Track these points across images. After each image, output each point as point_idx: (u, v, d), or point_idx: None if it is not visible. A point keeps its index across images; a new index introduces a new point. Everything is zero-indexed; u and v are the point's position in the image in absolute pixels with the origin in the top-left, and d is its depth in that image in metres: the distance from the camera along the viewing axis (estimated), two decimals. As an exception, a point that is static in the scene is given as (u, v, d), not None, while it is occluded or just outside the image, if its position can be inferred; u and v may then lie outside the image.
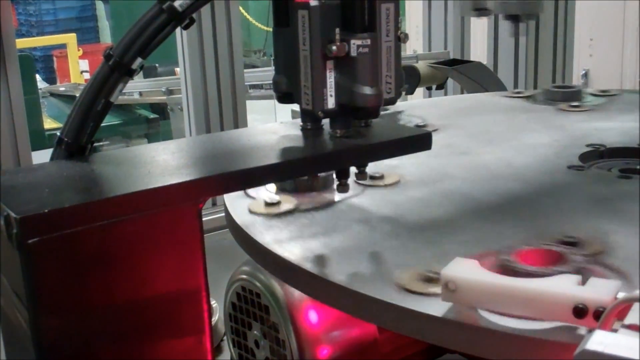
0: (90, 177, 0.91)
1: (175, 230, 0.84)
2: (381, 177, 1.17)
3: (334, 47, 0.95)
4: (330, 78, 0.98)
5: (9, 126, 1.98)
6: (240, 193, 1.13)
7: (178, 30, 0.97)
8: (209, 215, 1.97)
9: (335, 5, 0.96)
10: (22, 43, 6.63)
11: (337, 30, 0.95)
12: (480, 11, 1.91)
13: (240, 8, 2.64)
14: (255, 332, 1.07)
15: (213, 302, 1.35)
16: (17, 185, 0.87)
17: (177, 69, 3.70)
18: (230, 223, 1.08)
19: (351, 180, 1.04)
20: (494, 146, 1.37)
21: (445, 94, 2.86)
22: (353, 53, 0.96)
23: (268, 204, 1.08)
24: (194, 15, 0.98)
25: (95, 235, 0.79)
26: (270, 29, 1.29)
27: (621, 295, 0.66)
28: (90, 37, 9.21)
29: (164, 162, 0.95)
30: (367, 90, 0.97)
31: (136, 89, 4.62)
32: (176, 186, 0.85)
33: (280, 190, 1.13)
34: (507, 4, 1.85)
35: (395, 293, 0.81)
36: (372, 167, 1.08)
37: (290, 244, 0.96)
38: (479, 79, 2.47)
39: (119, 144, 4.68)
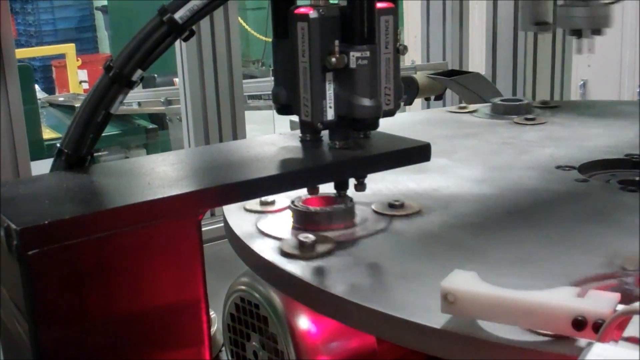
0: (90, 189, 0.91)
1: (174, 242, 0.84)
2: (402, 206, 1.08)
3: (333, 59, 0.95)
4: (330, 90, 0.98)
5: (8, 136, 1.98)
6: (239, 203, 1.13)
7: (177, 41, 0.97)
8: (208, 226, 1.97)
9: (335, 17, 0.96)
10: (21, 53, 6.64)
11: (337, 42, 0.96)
12: (541, 25, 1.81)
13: (239, 18, 2.65)
14: (253, 343, 1.07)
15: (211, 313, 1.35)
16: (17, 197, 0.87)
17: (176, 80, 3.70)
18: (229, 234, 1.08)
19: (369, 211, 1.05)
20: (475, 163, 1.33)
21: (444, 105, 2.86)
22: (352, 65, 0.96)
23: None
24: (194, 26, 0.98)
25: (95, 247, 0.79)
26: (269, 40, 1.29)
27: (620, 307, 0.66)
28: (89, 47, 9.23)
29: (163, 174, 0.95)
30: (366, 101, 0.97)
31: (135, 99, 4.62)
32: (176, 198, 0.85)
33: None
34: (572, 18, 1.68)
35: (394, 304, 0.81)
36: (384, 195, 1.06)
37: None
38: (477, 89, 2.46)
39: (118, 154, 4.67)
